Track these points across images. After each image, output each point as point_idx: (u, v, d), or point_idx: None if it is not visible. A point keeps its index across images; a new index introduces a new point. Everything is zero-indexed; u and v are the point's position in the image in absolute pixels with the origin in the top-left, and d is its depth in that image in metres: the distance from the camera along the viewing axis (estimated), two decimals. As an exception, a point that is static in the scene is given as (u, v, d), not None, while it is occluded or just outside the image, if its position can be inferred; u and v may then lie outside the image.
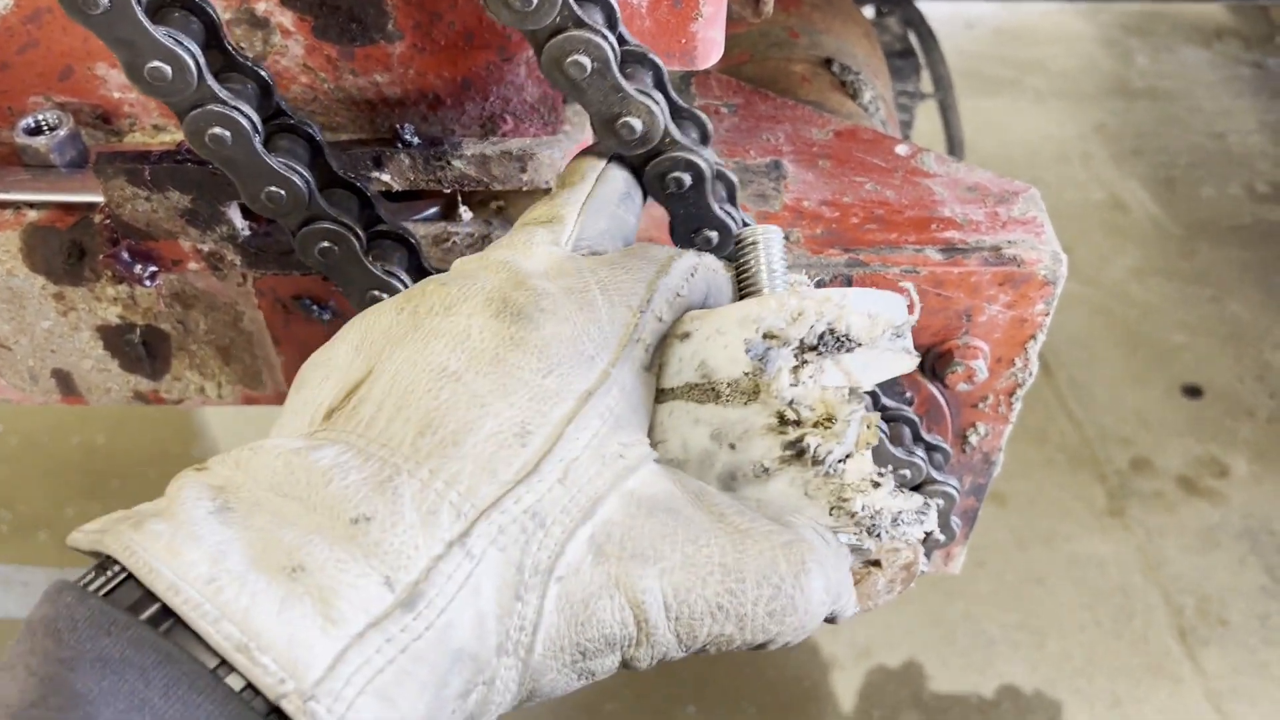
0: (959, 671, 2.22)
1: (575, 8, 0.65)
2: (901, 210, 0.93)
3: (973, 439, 1.00)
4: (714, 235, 0.75)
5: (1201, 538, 2.44)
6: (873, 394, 0.85)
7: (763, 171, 0.98)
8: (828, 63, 1.17)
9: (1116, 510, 2.50)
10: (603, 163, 0.72)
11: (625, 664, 0.58)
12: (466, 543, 0.53)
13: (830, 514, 0.62)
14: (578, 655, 0.56)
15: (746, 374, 0.62)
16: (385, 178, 0.83)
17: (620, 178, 0.72)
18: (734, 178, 0.76)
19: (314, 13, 0.79)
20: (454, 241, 0.86)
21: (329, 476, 0.54)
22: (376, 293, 0.77)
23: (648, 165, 0.71)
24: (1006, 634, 2.29)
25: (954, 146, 1.93)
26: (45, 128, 0.86)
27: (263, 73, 0.72)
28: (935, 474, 0.93)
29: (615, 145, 0.70)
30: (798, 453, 0.61)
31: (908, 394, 0.96)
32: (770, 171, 0.98)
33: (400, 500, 0.54)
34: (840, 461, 0.62)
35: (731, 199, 0.76)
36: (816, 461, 0.61)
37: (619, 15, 0.68)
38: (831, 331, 0.63)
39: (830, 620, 0.64)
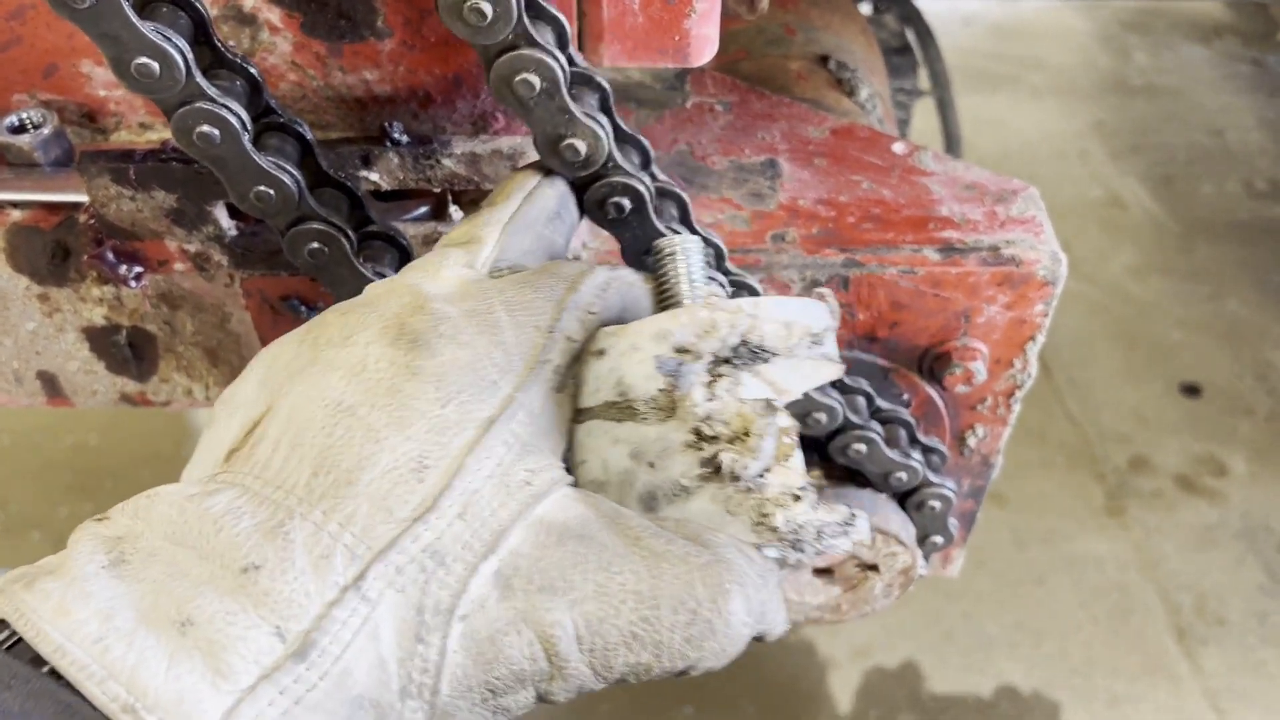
0: (957, 671, 2.21)
1: (529, 26, 0.64)
2: (898, 209, 0.92)
3: (971, 441, 0.99)
4: None
5: (1200, 536, 2.43)
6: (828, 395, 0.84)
7: (758, 170, 0.97)
8: (824, 60, 1.16)
9: (1115, 509, 2.49)
10: (533, 181, 0.70)
11: (540, 698, 0.57)
12: (361, 586, 0.52)
13: (753, 530, 0.61)
14: (487, 694, 0.55)
15: (662, 390, 0.60)
16: (374, 177, 0.81)
17: (551, 196, 0.70)
18: (685, 195, 0.75)
19: (302, 9, 0.77)
20: (444, 242, 0.85)
21: (220, 524, 0.53)
22: (366, 294, 0.76)
23: (588, 189, 0.71)
24: (1005, 633, 2.28)
25: (951, 144, 1.92)
26: (29, 126, 0.85)
27: (252, 70, 0.71)
28: (932, 476, 0.92)
29: (558, 167, 0.69)
30: (715, 469, 0.60)
31: (905, 396, 0.95)
32: (765, 170, 0.97)
33: (291, 546, 0.52)
34: (759, 476, 0.60)
35: (683, 218, 0.75)
36: (734, 478, 0.60)
37: (570, 35, 0.68)
38: (745, 343, 0.62)
39: (759, 639, 0.61)
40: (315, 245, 0.73)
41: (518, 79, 0.65)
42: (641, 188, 0.70)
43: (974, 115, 3.47)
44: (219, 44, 0.70)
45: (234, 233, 0.86)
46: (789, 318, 0.63)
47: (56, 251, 0.89)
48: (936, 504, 0.93)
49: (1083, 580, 2.36)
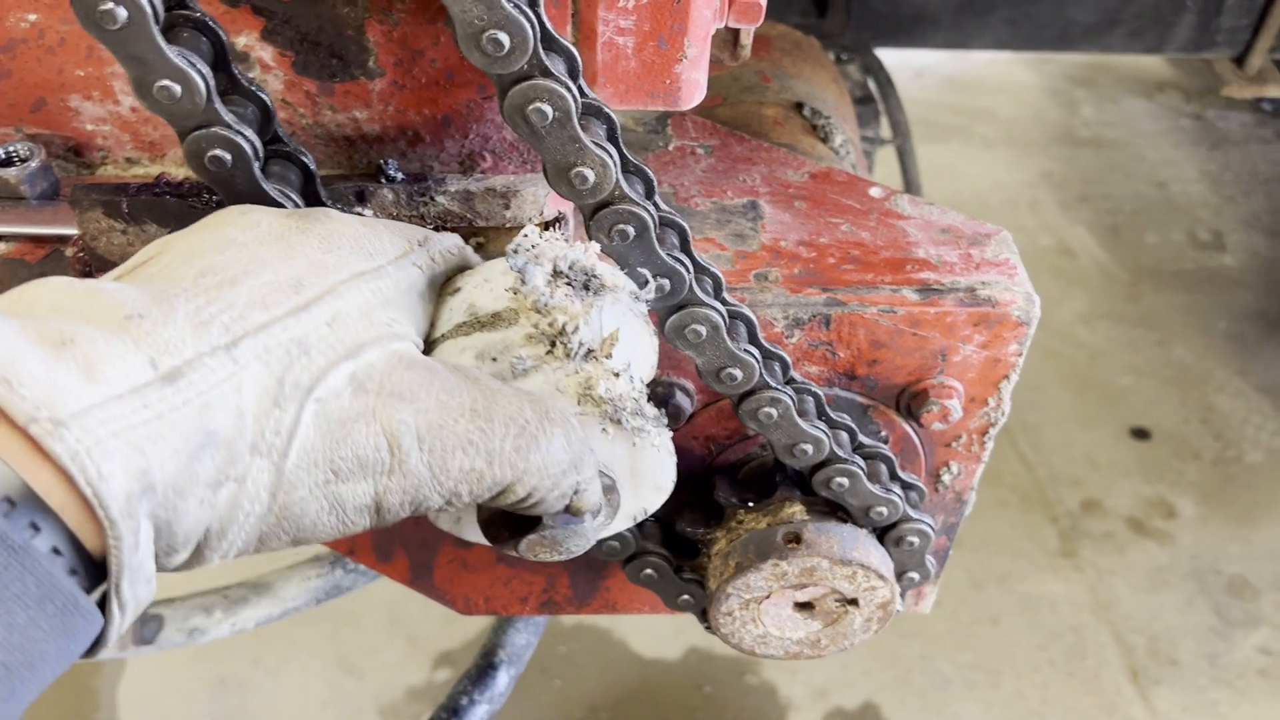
0: (915, 712, 2.23)
1: (543, 56, 0.66)
2: (877, 251, 0.95)
3: (946, 478, 1.01)
4: (666, 283, 0.76)
5: (1151, 578, 2.48)
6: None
7: (740, 211, 0.99)
8: (799, 106, 1.18)
9: (1068, 551, 2.53)
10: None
11: (378, 507, 0.62)
12: (234, 351, 0.57)
13: (578, 404, 0.72)
14: (330, 474, 0.60)
15: (510, 294, 0.69)
16: (368, 213, 0.82)
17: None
18: (685, 224, 0.77)
19: (295, 48, 0.78)
20: (436, 277, 0.86)
21: (107, 291, 0.58)
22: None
23: (595, 216, 0.74)
24: (962, 674, 2.30)
25: (911, 191, 1.96)
26: (16, 159, 0.85)
27: (264, 97, 0.72)
28: (911, 511, 0.93)
29: (567, 194, 0.73)
30: (548, 350, 0.70)
31: (883, 433, 0.97)
32: (747, 211, 0.99)
33: (174, 310, 0.58)
34: (584, 358, 0.70)
35: (684, 246, 0.77)
36: (565, 353, 0.70)
37: (580, 66, 0.70)
38: (582, 270, 0.71)
39: (573, 511, 0.71)
40: (312, 278, 0.74)
41: (531, 108, 0.67)
42: (646, 215, 0.72)
43: (928, 164, 3.54)
44: (235, 70, 0.70)
45: (223, 267, 0.86)
46: (615, 269, 0.74)
47: (41, 284, 0.88)
48: (915, 539, 0.95)
49: (1038, 621, 2.40)
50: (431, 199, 0.81)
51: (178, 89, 0.65)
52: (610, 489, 0.76)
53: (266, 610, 1.33)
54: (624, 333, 0.73)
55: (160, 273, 0.62)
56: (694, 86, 0.80)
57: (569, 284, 0.70)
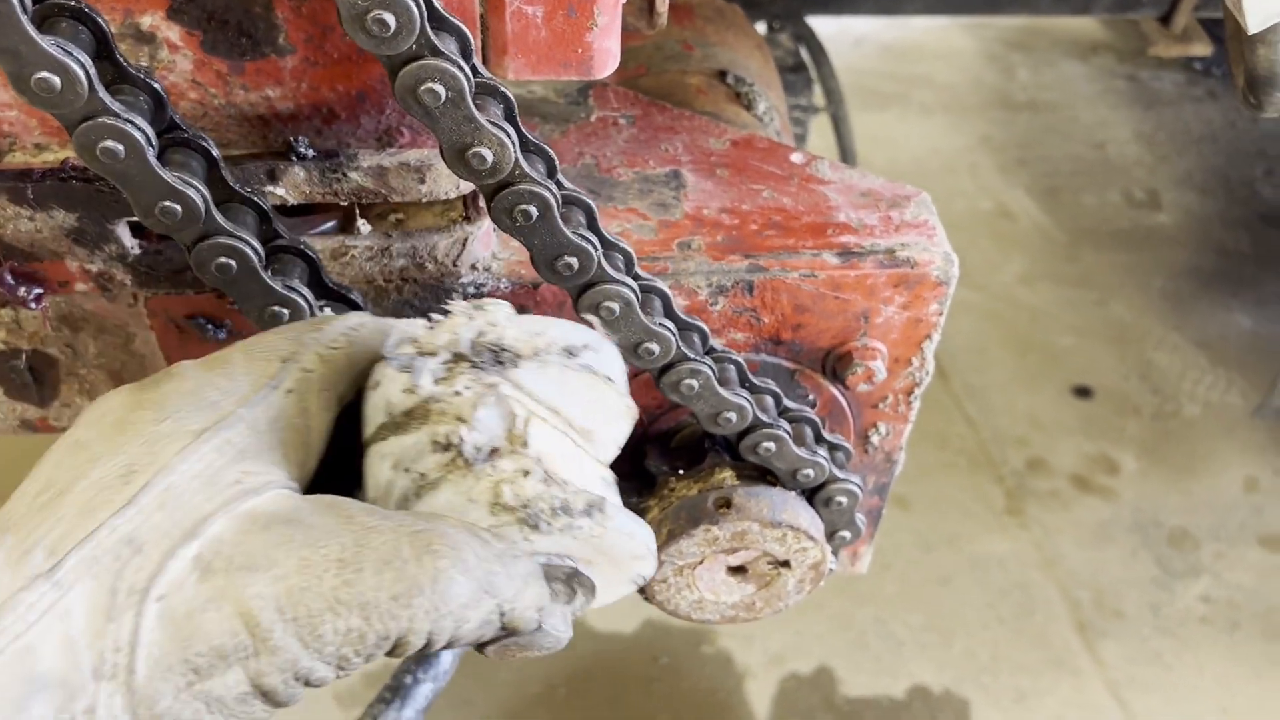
0: (870, 674, 2.26)
1: (432, 36, 0.65)
2: (798, 216, 0.95)
3: (874, 439, 1.02)
4: (574, 261, 0.76)
5: (1095, 533, 2.53)
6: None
7: (662, 181, 0.99)
8: (722, 75, 1.19)
9: (1014, 510, 2.57)
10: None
11: (257, 686, 0.56)
12: (55, 575, 0.53)
13: (492, 514, 0.64)
14: (191, 675, 0.54)
15: (405, 390, 0.63)
16: (280, 191, 0.81)
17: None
18: (591, 203, 0.77)
19: (202, 27, 0.77)
20: (352, 255, 0.85)
21: None
22: (276, 308, 0.76)
23: (495, 197, 0.72)
24: (914, 635, 2.33)
25: (847, 158, 1.97)
26: (-81, 148, 0.83)
27: (155, 85, 0.71)
28: (838, 472, 0.94)
29: (464, 175, 0.71)
30: (451, 457, 0.63)
31: (810, 396, 0.98)
32: (670, 181, 0.99)
33: None
34: (489, 458, 0.64)
35: (591, 224, 0.77)
36: (467, 462, 0.63)
37: (473, 46, 0.69)
38: (487, 346, 0.65)
39: (509, 631, 0.62)
40: (223, 260, 0.73)
41: (422, 88, 0.66)
42: (548, 195, 0.72)
43: (867, 132, 3.56)
44: (121, 59, 0.69)
45: (137, 251, 0.85)
46: (539, 328, 0.68)
47: (-50, 275, 0.87)
48: (844, 499, 0.96)
49: (987, 580, 2.43)
50: (344, 175, 0.81)
51: (56, 81, 0.63)
52: (573, 574, 0.68)
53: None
54: (565, 395, 0.67)
55: (9, 506, 0.58)
56: (607, 55, 0.80)
57: (475, 365, 0.65)
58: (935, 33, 4.28)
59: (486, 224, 0.88)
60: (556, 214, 0.73)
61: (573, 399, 0.68)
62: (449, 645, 0.60)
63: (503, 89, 0.72)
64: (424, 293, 0.88)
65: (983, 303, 3.08)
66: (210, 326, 0.88)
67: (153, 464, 0.57)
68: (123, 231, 0.83)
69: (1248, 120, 3.71)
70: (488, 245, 0.89)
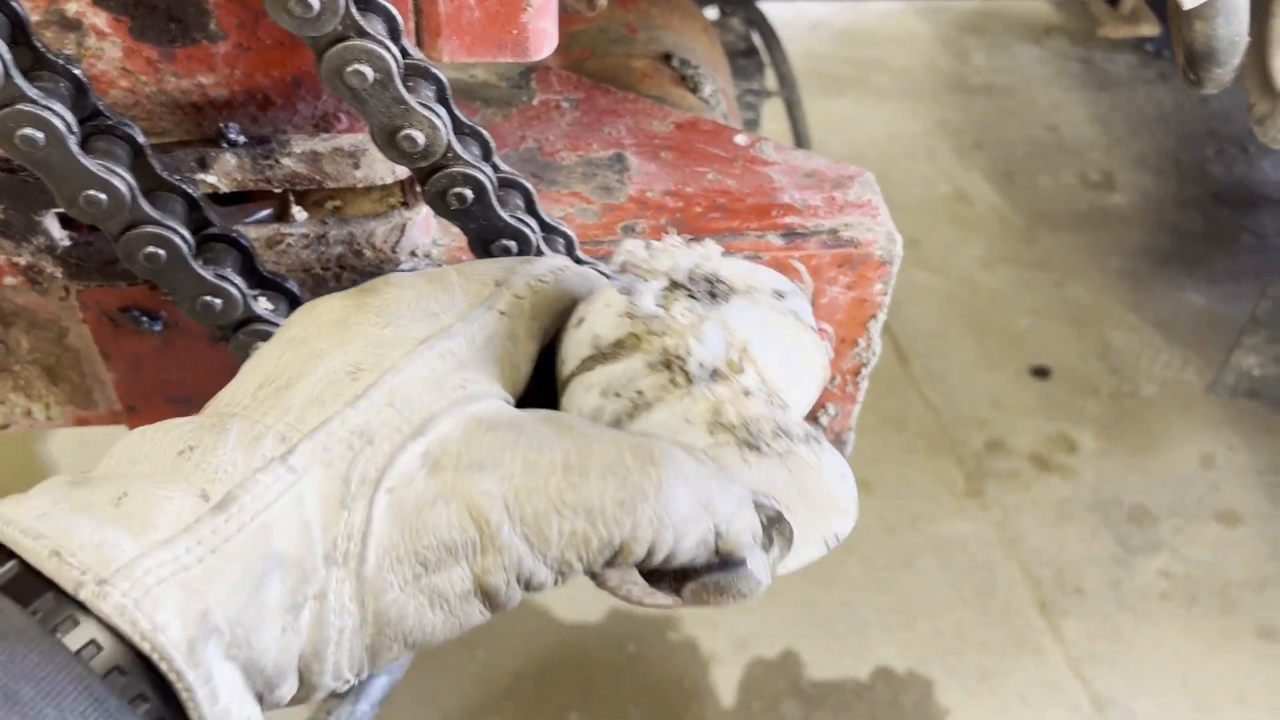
0: (835, 657, 2.27)
1: (357, 17, 0.64)
2: (743, 198, 0.95)
3: (824, 420, 1.02)
4: (512, 244, 0.75)
5: (1055, 512, 2.55)
6: None
7: (606, 164, 0.98)
8: (667, 58, 1.18)
9: (975, 491, 2.59)
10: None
11: (484, 592, 0.57)
12: (289, 459, 0.55)
13: (710, 434, 0.63)
14: (418, 568, 0.55)
15: (629, 321, 0.63)
16: (212, 179, 0.80)
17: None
18: (529, 186, 0.76)
19: (130, 13, 0.75)
20: (288, 243, 0.84)
21: (169, 431, 0.56)
22: (208, 298, 0.75)
23: (429, 181, 0.72)
24: (879, 617, 2.34)
25: (800, 141, 1.97)
26: None
27: (76, 71, 0.69)
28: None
29: (395, 159, 0.70)
30: (670, 376, 0.63)
31: (759, 379, 0.98)
32: (614, 164, 0.98)
33: (227, 434, 0.55)
34: (710, 378, 0.63)
35: (529, 207, 0.76)
36: (687, 379, 0.62)
37: (402, 27, 0.68)
38: (704, 277, 0.65)
39: (723, 556, 0.61)
40: (151, 249, 0.71)
41: (349, 70, 0.65)
42: (483, 177, 0.71)
43: (824, 117, 3.57)
44: (39, 45, 0.67)
45: (67, 243, 0.83)
46: (749, 268, 0.68)
47: (-126, 271, 0.85)
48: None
49: (949, 561, 2.45)
50: (277, 161, 0.79)
51: None
52: (775, 519, 0.64)
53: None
54: (768, 339, 0.66)
55: (227, 394, 0.60)
56: (543, 36, 0.79)
57: (690, 295, 0.64)
58: (891, 17, 4.30)
59: (425, 209, 0.87)
60: (493, 197, 0.72)
61: (774, 344, 0.67)
62: (666, 562, 0.59)
63: (435, 71, 0.71)
64: (363, 280, 0.87)
65: (942, 286, 3.09)
66: (145, 319, 0.87)
67: (379, 365, 0.59)
68: (51, 223, 0.81)
69: (1198, 101, 3.75)
70: (428, 231, 0.88)
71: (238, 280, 0.75)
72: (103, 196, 0.69)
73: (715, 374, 0.63)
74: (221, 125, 0.79)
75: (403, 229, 0.85)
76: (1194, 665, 2.25)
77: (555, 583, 0.58)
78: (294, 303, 0.80)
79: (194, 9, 0.75)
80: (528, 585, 0.57)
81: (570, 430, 0.59)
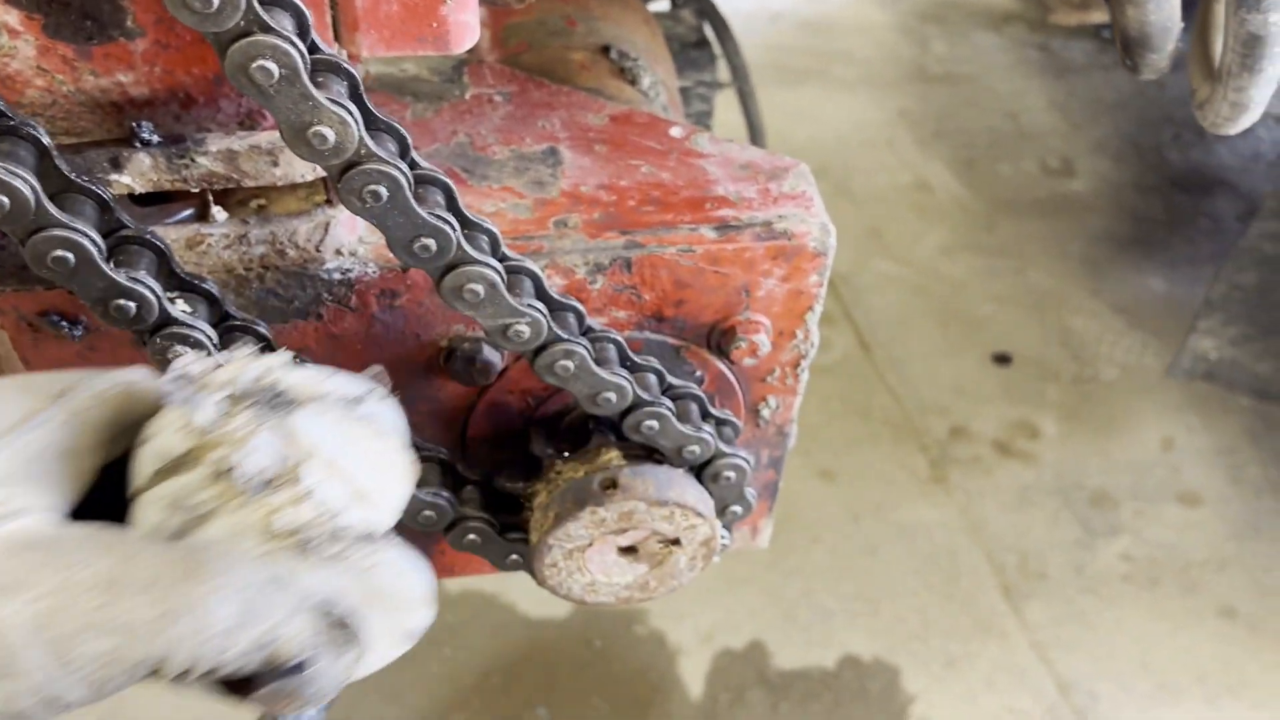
0: (801, 646, 2.27)
1: (260, 12, 0.63)
2: (677, 191, 0.94)
3: (765, 413, 1.02)
4: (431, 243, 0.74)
5: (1018, 497, 2.56)
6: None
7: (539, 158, 0.97)
8: (606, 50, 1.17)
9: (939, 477, 2.60)
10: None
11: (13, 715, 0.54)
12: None
13: (265, 542, 0.63)
14: None
15: (189, 434, 0.63)
16: (126, 180, 0.78)
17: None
18: (450, 184, 0.75)
19: (43, 10, 0.74)
20: (209, 243, 0.82)
21: None
22: (121, 301, 0.73)
23: (342, 178, 0.70)
24: (844, 605, 2.34)
25: (755, 134, 1.97)
26: None
27: (-30, 74, 0.67)
28: (724, 447, 0.94)
29: (307, 156, 0.68)
30: (222, 483, 0.62)
31: (698, 373, 0.97)
32: (547, 158, 0.97)
33: None
34: (263, 487, 0.63)
35: (450, 204, 0.75)
36: (239, 490, 0.62)
37: (310, 22, 0.67)
38: (266, 388, 0.64)
39: (272, 666, 0.60)
40: (59, 253, 0.70)
41: (254, 66, 0.64)
42: (398, 174, 0.70)
43: (787, 108, 3.57)
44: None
45: (-20, 248, 0.81)
46: (320, 377, 0.67)
47: None
48: (732, 474, 0.95)
49: (914, 547, 2.46)
50: (192, 160, 0.78)
51: None
52: (337, 623, 0.64)
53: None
54: (344, 444, 0.67)
55: None
56: (463, 28, 0.77)
57: (253, 405, 0.64)
58: (851, 7, 4.30)
59: (351, 207, 0.85)
60: (409, 194, 0.71)
61: (352, 449, 0.67)
62: (211, 673, 0.58)
63: (346, 66, 0.70)
64: (288, 280, 0.85)
65: (904, 275, 3.10)
66: (65, 324, 0.85)
67: None
68: (-38, 228, 0.79)
69: (1155, 87, 3.77)
70: (353, 230, 0.87)
71: (152, 283, 0.73)
72: (4, 199, 0.67)
73: (270, 483, 0.63)
74: (134, 125, 0.77)
75: (326, 227, 0.84)
76: (1156, 646, 2.27)
77: (100, 698, 0.56)
78: (214, 304, 0.79)
79: (109, 5, 0.74)
80: (63, 708, 0.55)
81: (115, 545, 0.57)
